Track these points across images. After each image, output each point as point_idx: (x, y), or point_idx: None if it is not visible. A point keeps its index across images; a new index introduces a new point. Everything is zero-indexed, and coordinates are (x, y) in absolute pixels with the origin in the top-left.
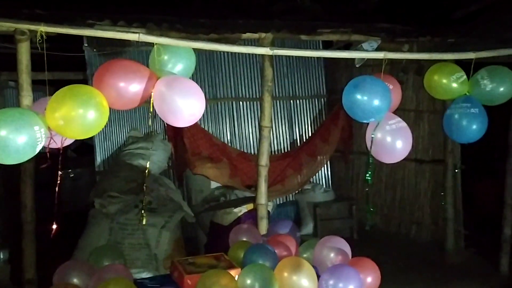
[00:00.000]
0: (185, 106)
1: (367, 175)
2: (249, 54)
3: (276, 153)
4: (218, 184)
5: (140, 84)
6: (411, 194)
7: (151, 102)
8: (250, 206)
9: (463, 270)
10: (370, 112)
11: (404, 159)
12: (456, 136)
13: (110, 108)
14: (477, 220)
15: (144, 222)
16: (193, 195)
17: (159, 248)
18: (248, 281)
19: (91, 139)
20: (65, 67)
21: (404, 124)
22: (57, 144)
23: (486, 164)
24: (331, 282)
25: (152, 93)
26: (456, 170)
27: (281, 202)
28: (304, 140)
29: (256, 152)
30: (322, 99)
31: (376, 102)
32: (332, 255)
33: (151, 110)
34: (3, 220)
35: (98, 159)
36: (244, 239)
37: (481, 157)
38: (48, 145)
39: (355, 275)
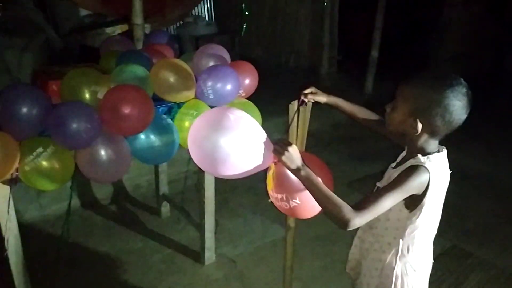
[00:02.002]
0: None
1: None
2: None
3: None
4: (87, 12)
5: None
6: (292, 24)
7: None
8: (124, 27)
9: (333, 91)
10: None
11: None
12: None
13: None
14: (350, 47)
15: None
16: (59, 23)
17: (21, 71)
18: (121, 77)
19: None
20: None
21: None
22: None
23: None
24: (209, 83)
25: None
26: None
27: None
28: None
29: None
30: None
31: None
32: (211, 61)
33: None
34: None
35: None
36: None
37: None
38: None
39: (233, 75)
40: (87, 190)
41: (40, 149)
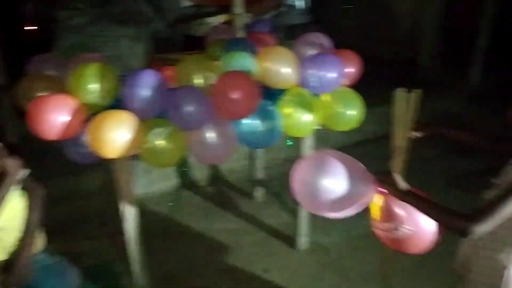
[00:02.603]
0: None
1: None
2: None
3: None
4: (189, 3)
5: None
6: (391, 12)
7: None
8: (225, 17)
9: (434, 84)
10: None
11: None
12: None
13: None
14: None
15: None
16: (165, 14)
17: (132, 59)
18: (230, 65)
19: None
20: None
21: None
22: None
23: None
24: (313, 70)
25: None
26: None
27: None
28: None
29: None
30: None
31: None
32: (313, 49)
33: None
34: None
35: None
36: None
37: None
38: None
39: (338, 63)
40: (187, 171)
41: (158, 129)
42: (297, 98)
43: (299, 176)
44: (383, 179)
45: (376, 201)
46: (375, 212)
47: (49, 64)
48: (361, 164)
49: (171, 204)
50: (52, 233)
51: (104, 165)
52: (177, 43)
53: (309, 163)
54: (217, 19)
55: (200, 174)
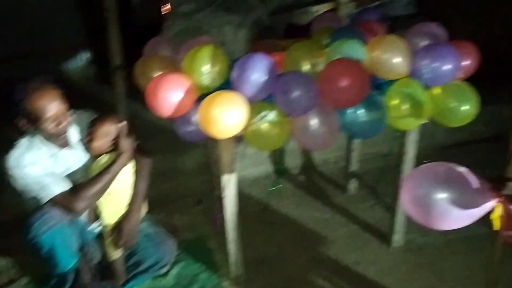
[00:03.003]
0: None
1: None
2: None
3: None
4: None
5: None
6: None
7: None
8: (330, 5)
9: None
10: None
11: None
12: None
13: None
14: None
15: None
16: (267, 2)
17: (235, 45)
18: (339, 52)
19: None
20: None
21: None
22: None
23: None
24: (426, 61)
25: None
26: None
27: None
28: None
29: None
30: None
31: None
32: (427, 40)
33: None
34: (86, 21)
35: None
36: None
37: None
38: None
39: (454, 55)
40: (280, 158)
41: (264, 112)
42: (406, 89)
43: (410, 189)
44: (501, 186)
45: (496, 210)
46: (496, 221)
47: (164, 46)
48: (475, 175)
49: (273, 188)
50: (153, 205)
51: (203, 145)
52: (278, 31)
53: (421, 175)
54: (322, 8)
55: (293, 162)
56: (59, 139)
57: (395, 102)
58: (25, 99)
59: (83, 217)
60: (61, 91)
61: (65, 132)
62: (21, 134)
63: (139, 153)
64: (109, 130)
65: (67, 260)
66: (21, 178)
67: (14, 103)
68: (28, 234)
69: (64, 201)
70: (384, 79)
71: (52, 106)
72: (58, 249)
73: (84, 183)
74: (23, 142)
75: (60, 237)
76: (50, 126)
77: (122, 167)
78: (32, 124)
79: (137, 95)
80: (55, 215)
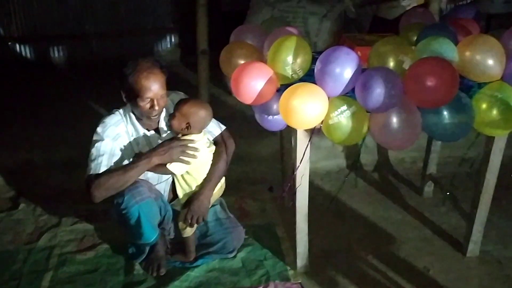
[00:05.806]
0: None
1: None
2: None
3: None
4: None
5: None
6: None
7: None
8: (420, 1)
9: None
10: None
11: None
12: None
13: None
14: None
15: None
16: None
17: (319, 36)
18: (428, 50)
19: None
20: None
21: None
22: None
23: None
24: None
25: None
26: None
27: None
28: None
29: None
30: None
31: None
32: None
33: None
34: (175, 5)
35: None
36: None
37: None
38: None
39: None
40: (354, 154)
41: (344, 107)
42: (498, 93)
43: None
44: None
45: None
46: None
47: (250, 34)
48: None
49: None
50: (225, 189)
51: (278, 134)
52: (364, 24)
53: None
54: (412, 2)
55: (367, 158)
56: (150, 120)
57: (484, 106)
58: (131, 75)
59: (165, 194)
60: (166, 77)
61: (156, 115)
62: (123, 104)
63: (224, 136)
64: (188, 112)
65: (150, 233)
66: (94, 141)
67: (123, 75)
68: (119, 205)
69: (89, 183)
70: (474, 81)
71: (153, 88)
72: (143, 222)
73: (107, 173)
74: (118, 113)
75: (146, 211)
76: (146, 107)
77: (149, 166)
78: (130, 99)
79: (220, 80)
80: (145, 190)
